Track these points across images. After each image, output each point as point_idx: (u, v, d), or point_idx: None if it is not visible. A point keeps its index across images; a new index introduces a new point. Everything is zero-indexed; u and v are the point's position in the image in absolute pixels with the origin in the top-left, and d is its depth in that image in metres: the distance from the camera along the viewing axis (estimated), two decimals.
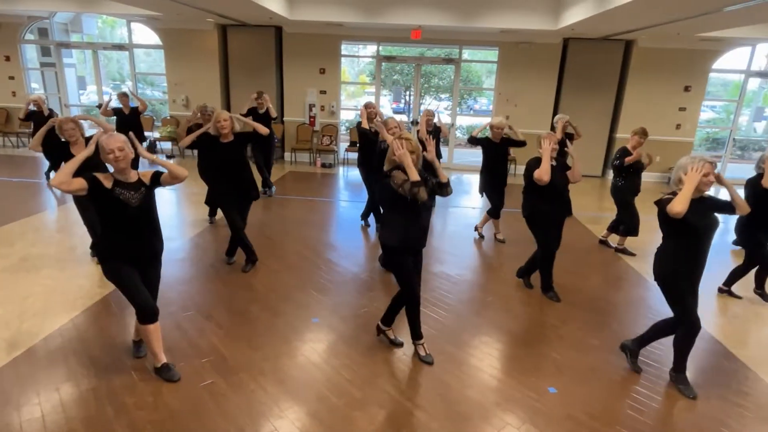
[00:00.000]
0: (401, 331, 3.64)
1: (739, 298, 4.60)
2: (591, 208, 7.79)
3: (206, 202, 6.06)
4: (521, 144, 5.63)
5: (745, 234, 4.39)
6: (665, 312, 4.16)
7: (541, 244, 4.30)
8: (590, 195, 8.77)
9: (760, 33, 8.13)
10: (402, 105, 17.02)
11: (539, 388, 3.11)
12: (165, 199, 7.20)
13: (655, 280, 3.15)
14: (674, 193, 2.89)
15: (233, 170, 4.49)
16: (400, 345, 3.50)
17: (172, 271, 4.60)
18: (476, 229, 6.09)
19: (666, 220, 2.93)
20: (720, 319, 4.26)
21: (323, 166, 10.10)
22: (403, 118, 13.65)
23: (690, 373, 3.31)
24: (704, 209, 2.95)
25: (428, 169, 3.31)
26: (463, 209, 7.41)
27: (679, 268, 2.99)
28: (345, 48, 10.72)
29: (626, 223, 5.53)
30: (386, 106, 16.59)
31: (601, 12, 6.42)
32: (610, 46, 9.51)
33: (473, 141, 5.72)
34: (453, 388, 3.08)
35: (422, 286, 4.51)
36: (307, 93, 10.14)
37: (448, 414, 2.84)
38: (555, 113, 9.95)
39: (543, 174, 3.89)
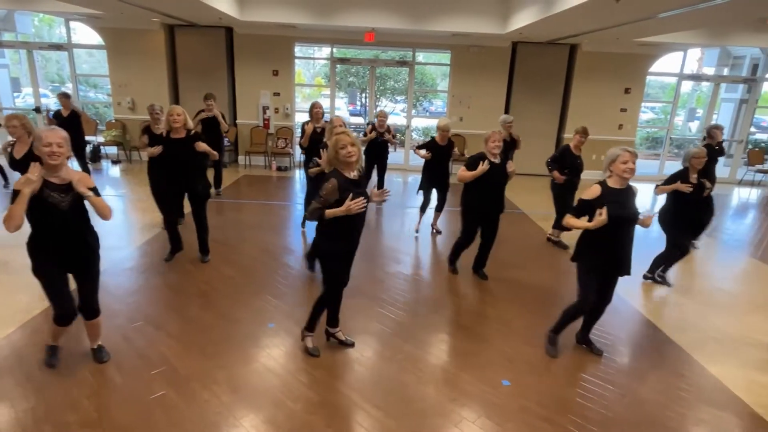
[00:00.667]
0: (354, 330, 3.65)
1: (663, 283, 4.91)
2: (542, 206, 8.07)
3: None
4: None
5: (667, 223, 4.70)
6: (613, 303, 4.39)
7: (464, 230, 4.66)
8: (541, 193, 9.08)
9: (691, 39, 8.70)
10: (358, 107, 17.04)
11: (493, 381, 3.19)
12: (113, 206, 6.88)
13: (572, 260, 3.37)
14: (603, 181, 3.15)
15: (183, 168, 4.37)
16: (352, 345, 3.50)
17: (120, 281, 4.41)
18: (432, 227, 6.20)
19: (583, 211, 3.18)
20: (659, 306, 4.51)
21: (279, 169, 9.96)
22: (360, 120, 13.68)
23: (633, 358, 3.50)
24: (625, 200, 3.13)
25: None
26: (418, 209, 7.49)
27: (592, 254, 3.19)
28: (299, 50, 10.62)
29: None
30: (342, 109, 16.56)
31: (545, 17, 6.68)
32: (555, 50, 9.90)
33: (420, 147, 5.75)
34: (410, 386, 3.11)
35: (377, 286, 4.58)
36: (261, 95, 9.97)
37: (405, 412, 2.86)
38: (506, 113, 10.26)
39: (465, 178, 4.33)
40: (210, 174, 7.44)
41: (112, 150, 10.07)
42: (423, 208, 6.09)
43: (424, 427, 2.75)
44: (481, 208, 4.49)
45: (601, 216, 3.04)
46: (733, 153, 11.34)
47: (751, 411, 3.01)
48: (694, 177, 4.48)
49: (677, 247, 4.68)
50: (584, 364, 3.45)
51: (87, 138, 10.06)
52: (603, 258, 3.22)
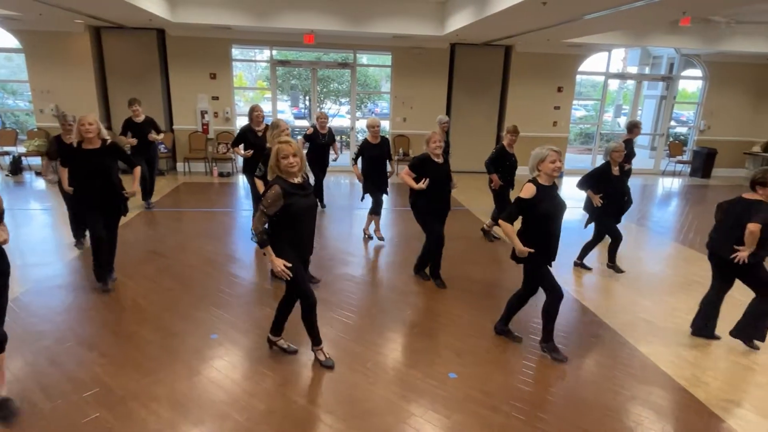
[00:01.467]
0: (303, 335, 3.61)
1: (589, 269, 5.22)
2: (484, 202, 8.31)
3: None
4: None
5: (593, 212, 5.01)
6: None
7: (427, 233, 4.58)
8: (483, 190, 9.35)
9: (614, 39, 9.27)
10: (302, 110, 16.83)
11: (441, 375, 3.25)
12: (38, 221, 6.42)
13: (511, 257, 3.49)
14: (535, 179, 3.29)
15: (98, 180, 4.06)
16: (294, 352, 3.44)
17: (46, 300, 4.11)
18: (364, 231, 6.16)
19: (521, 208, 3.32)
20: (593, 291, 4.77)
21: (221, 175, 9.66)
22: (305, 123, 13.51)
23: (570, 343, 3.68)
24: (555, 195, 3.33)
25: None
26: (364, 211, 7.50)
27: (534, 246, 3.33)
28: (239, 52, 10.37)
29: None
30: (287, 112, 16.30)
31: (479, 19, 6.90)
32: (491, 51, 10.25)
33: (357, 155, 5.74)
34: (359, 387, 3.11)
35: (326, 289, 4.55)
36: (198, 99, 9.63)
37: (354, 413, 2.86)
38: (448, 115, 10.50)
39: (405, 179, 4.40)
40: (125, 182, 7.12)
41: (36, 161, 9.38)
42: (375, 211, 5.90)
43: (373, 426, 2.76)
44: (428, 208, 4.53)
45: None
46: (656, 146, 12.20)
47: (676, 384, 3.25)
48: (615, 169, 4.79)
49: (612, 234, 5.02)
50: (526, 352, 3.59)
51: (6, 149, 9.38)
52: (541, 251, 3.35)
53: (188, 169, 9.86)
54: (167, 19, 7.93)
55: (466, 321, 4.03)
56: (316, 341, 3.33)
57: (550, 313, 3.46)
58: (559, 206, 3.33)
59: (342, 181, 9.64)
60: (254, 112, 5.52)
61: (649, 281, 5.03)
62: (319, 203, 7.51)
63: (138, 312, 3.99)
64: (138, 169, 4.35)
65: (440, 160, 4.43)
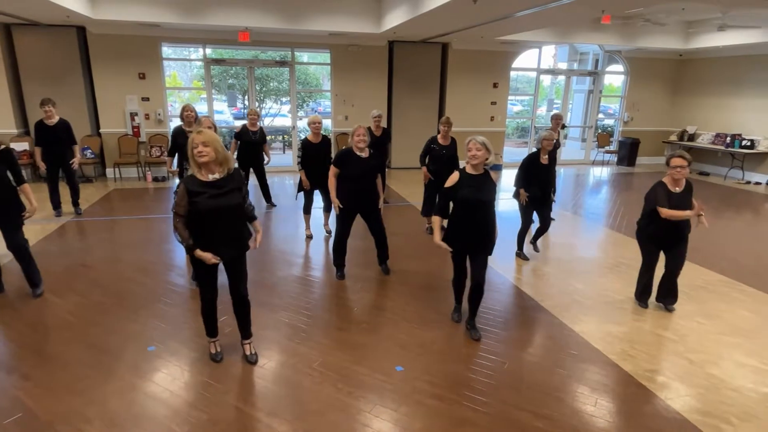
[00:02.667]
0: (262, 341, 3.52)
1: (527, 259, 5.45)
2: None
3: None
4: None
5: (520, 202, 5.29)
6: (493, 279, 4.75)
7: (337, 227, 4.70)
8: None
9: (543, 37, 9.71)
10: (242, 110, 16.37)
11: (388, 369, 3.28)
12: None
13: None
14: (463, 169, 3.45)
15: None
16: (219, 360, 3.32)
17: None
18: (324, 228, 6.19)
19: (447, 197, 3.47)
20: (530, 277, 4.98)
21: (155, 180, 9.21)
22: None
23: (511, 328, 3.83)
24: (481, 184, 3.41)
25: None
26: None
27: (452, 234, 3.47)
28: (173, 51, 9.91)
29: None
30: (225, 112, 15.80)
31: (413, 17, 6.99)
32: (429, 48, 10.43)
33: (301, 158, 5.58)
34: (306, 388, 3.07)
35: (271, 291, 4.46)
36: (127, 100, 9.12)
37: (300, 414, 2.83)
38: (389, 111, 10.60)
39: (330, 175, 4.54)
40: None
41: None
42: (305, 210, 5.95)
43: (320, 426, 2.74)
44: (350, 203, 4.54)
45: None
46: (586, 137, 12.92)
47: (607, 359, 3.46)
48: (545, 158, 5.04)
49: (527, 225, 5.34)
50: (468, 340, 3.69)
51: None
52: (461, 240, 3.47)
53: (119, 175, 9.33)
54: (87, 16, 7.44)
55: (410, 314, 4.09)
56: (243, 335, 3.36)
57: (469, 298, 3.65)
58: (483, 195, 3.37)
59: (287, 182, 9.48)
60: (185, 112, 5.32)
61: (581, 265, 5.33)
62: (267, 202, 7.39)
63: (66, 329, 3.73)
64: (26, 187, 4.06)
65: (364, 154, 4.46)
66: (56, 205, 6.68)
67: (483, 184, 3.41)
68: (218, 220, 2.89)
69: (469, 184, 3.37)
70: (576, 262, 5.41)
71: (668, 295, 4.21)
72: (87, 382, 3.07)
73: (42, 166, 6.33)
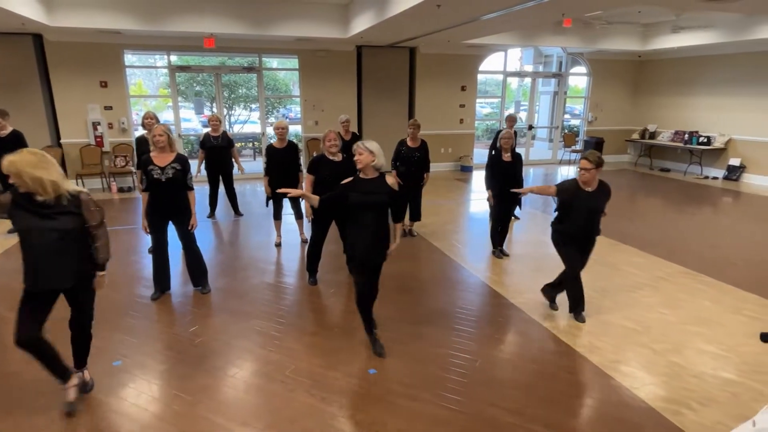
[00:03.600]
0: (219, 349, 3.45)
1: (507, 255, 5.57)
2: None
3: None
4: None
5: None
6: (465, 278, 4.81)
7: (312, 232, 4.68)
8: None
9: (508, 40, 9.91)
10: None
11: (360, 372, 3.28)
12: None
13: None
14: (357, 173, 3.34)
15: None
16: (90, 390, 3.07)
17: None
18: (301, 237, 6.11)
19: (340, 196, 3.33)
20: (501, 275, 5.06)
21: (120, 190, 8.96)
22: None
23: (483, 326, 3.88)
24: (371, 189, 3.25)
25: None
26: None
27: (349, 248, 3.40)
28: (138, 59, 9.69)
29: (410, 209, 6.11)
30: (193, 120, 15.53)
31: (379, 21, 7.04)
32: (397, 52, 10.51)
33: (266, 164, 5.49)
34: (278, 395, 3.04)
35: (242, 299, 4.40)
36: (89, 110, 8.86)
37: (272, 422, 2.79)
38: (359, 115, 10.62)
39: (306, 183, 4.50)
40: None
41: None
42: (275, 216, 5.88)
43: None
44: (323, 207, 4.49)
45: None
46: (553, 138, 13.24)
47: (575, 351, 3.55)
48: (507, 156, 5.16)
49: (497, 223, 5.42)
50: (441, 340, 3.72)
51: None
52: (354, 247, 3.34)
53: (82, 186, 9.02)
54: (44, 23, 7.21)
55: (383, 316, 4.08)
56: (78, 363, 3.05)
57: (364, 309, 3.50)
58: (371, 198, 3.23)
59: (258, 189, 9.37)
60: (145, 120, 5.21)
61: (549, 262, 5.43)
62: (234, 211, 7.27)
63: (19, 351, 3.58)
64: None
65: (337, 158, 4.48)
66: None
67: (374, 188, 3.25)
68: (35, 245, 2.64)
69: (360, 187, 3.25)
70: (545, 259, 5.52)
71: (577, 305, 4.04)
72: (46, 402, 2.95)
73: None
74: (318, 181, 4.46)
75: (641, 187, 9.89)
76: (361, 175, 3.29)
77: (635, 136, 12.52)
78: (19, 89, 8.36)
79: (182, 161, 4.15)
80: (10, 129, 5.95)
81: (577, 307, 4.02)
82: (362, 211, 3.26)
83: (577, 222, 3.81)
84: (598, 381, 3.20)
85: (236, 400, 3.00)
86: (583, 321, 3.97)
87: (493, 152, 5.32)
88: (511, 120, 7.25)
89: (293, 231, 6.30)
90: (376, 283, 3.49)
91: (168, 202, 4.14)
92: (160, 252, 4.37)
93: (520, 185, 5.35)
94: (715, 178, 10.71)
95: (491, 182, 5.25)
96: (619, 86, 12.61)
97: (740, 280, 4.86)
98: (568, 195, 3.80)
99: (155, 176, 4.08)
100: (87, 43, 8.56)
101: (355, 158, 3.25)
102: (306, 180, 4.56)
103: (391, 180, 3.34)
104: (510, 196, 5.26)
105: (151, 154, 4.17)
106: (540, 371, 3.31)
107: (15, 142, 5.98)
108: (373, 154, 3.23)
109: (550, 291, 4.23)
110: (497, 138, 6.67)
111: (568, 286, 4.01)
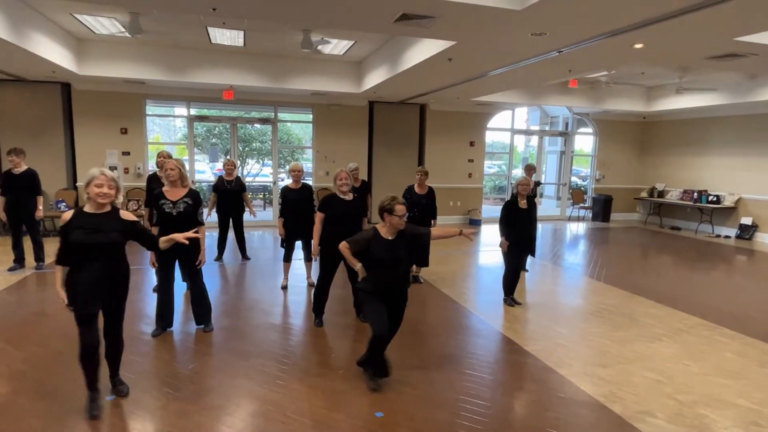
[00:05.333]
0: (219, 388, 3.29)
1: (519, 303, 5.37)
2: None
3: None
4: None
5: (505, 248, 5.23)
6: (476, 326, 4.65)
7: (320, 273, 4.65)
8: None
9: (516, 99, 10.22)
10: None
11: (366, 415, 3.08)
12: None
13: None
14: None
15: None
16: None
17: None
18: (308, 280, 6.02)
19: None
20: (514, 322, 4.88)
21: None
22: None
23: (496, 372, 3.68)
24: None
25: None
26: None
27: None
28: (156, 109, 10.10)
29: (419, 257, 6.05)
30: (207, 172, 15.89)
31: (393, 75, 7.34)
32: (407, 108, 10.86)
33: (281, 205, 5.58)
34: None
35: (245, 340, 4.25)
36: (107, 155, 9.11)
37: None
38: (369, 168, 10.80)
39: (316, 220, 4.57)
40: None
41: None
42: (285, 258, 5.81)
43: None
44: (334, 247, 4.44)
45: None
46: (561, 195, 13.31)
47: (595, 401, 3.32)
48: (523, 203, 5.14)
49: (511, 270, 5.28)
50: (452, 384, 3.52)
51: None
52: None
53: None
54: (73, 72, 7.59)
55: (391, 359, 3.90)
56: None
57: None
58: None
59: (266, 236, 9.37)
60: (158, 159, 5.31)
61: (563, 311, 5.26)
62: (242, 255, 7.22)
63: (16, 379, 3.44)
64: None
65: (348, 197, 4.53)
66: (18, 258, 6.35)
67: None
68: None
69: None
70: (558, 308, 5.35)
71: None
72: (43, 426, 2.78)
73: (2, 216, 6.11)
74: (327, 218, 4.47)
75: (652, 244, 9.77)
76: (89, 210, 2.95)
77: (644, 194, 12.55)
78: (43, 133, 8.67)
79: (194, 196, 4.17)
80: (24, 167, 6.08)
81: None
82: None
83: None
84: (623, 431, 2.96)
85: None
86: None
87: (509, 199, 5.31)
88: (530, 169, 7.25)
89: (300, 275, 6.21)
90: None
91: None
92: (165, 287, 4.29)
93: (535, 231, 5.31)
94: (727, 236, 10.57)
95: (506, 230, 5.20)
96: (626, 145, 12.82)
97: (763, 333, 4.64)
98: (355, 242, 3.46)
99: (166, 210, 4.09)
100: (111, 92, 8.97)
101: (101, 191, 2.89)
102: (316, 217, 4.56)
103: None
104: (524, 244, 5.21)
105: (164, 189, 4.21)
106: (557, 418, 3.09)
107: (29, 180, 6.10)
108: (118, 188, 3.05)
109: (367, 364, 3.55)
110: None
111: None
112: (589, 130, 12.88)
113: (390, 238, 3.35)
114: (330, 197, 4.53)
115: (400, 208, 3.29)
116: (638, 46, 5.17)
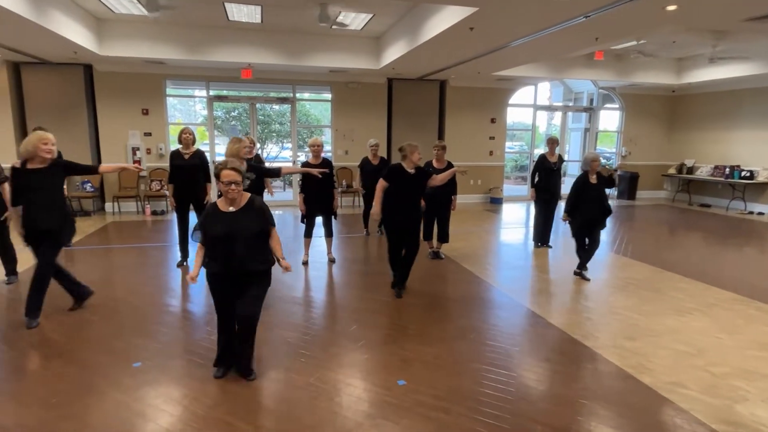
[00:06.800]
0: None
1: (588, 280, 5.29)
2: None
3: None
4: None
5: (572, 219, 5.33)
6: (498, 299, 4.58)
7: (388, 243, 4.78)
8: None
9: (538, 73, 9.92)
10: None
11: (389, 383, 3.06)
12: None
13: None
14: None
15: None
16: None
17: None
18: (329, 256, 6.02)
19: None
20: (537, 297, 4.79)
21: (154, 213, 9.14)
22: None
23: (519, 343, 3.62)
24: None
25: None
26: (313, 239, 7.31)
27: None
28: (177, 90, 10.13)
29: (438, 231, 6.06)
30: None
31: (412, 48, 7.17)
32: (427, 85, 10.66)
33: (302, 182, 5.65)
34: (301, 403, 2.84)
35: (266, 311, 4.24)
36: (129, 135, 9.22)
37: (293, 429, 2.59)
38: (389, 146, 10.69)
39: (378, 187, 4.61)
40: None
41: None
42: (306, 234, 5.79)
43: None
44: (393, 218, 4.56)
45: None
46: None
47: (624, 372, 3.24)
48: (593, 178, 5.06)
49: (592, 243, 5.33)
50: (477, 355, 3.48)
51: None
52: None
53: (118, 209, 9.27)
54: (94, 52, 7.64)
55: (413, 331, 3.89)
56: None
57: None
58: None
59: (287, 216, 9.41)
60: (182, 134, 5.31)
61: (589, 285, 5.14)
62: None
63: (47, 346, 3.53)
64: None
65: (413, 171, 4.62)
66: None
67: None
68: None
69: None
70: (584, 282, 5.23)
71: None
72: (65, 397, 2.85)
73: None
74: (388, 190, 4.55)
75: (682, 221, 9.46)
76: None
77: (672, 171, 12.15)
78: (66, 115, 8.80)
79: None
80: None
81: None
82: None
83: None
84: (653, 403, 2.88)
85: (257, 406, 2.83)
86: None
87: (580, 174, 5.31)
88: (553, 142, 6.86)
89: (321, 251, 6.21)
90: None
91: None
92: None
93: (607, 208, 5.28)
94: (761, 213, 10.17)
95: (571, 206, 5.22)
96: (654, 121, 12.37)
97: None
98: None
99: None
100: (132, 73, 9.02)
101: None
102: (378, 185, 4.60)
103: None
104: (599, 220, 5.24)
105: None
106: (585, 388, 3.02)
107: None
108: None
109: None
110: (539, 164, 6.66)
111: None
112: (615, 105, 12.47)
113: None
114: (396, 169, 4.55)
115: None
116: (671, 8, 4.91)
